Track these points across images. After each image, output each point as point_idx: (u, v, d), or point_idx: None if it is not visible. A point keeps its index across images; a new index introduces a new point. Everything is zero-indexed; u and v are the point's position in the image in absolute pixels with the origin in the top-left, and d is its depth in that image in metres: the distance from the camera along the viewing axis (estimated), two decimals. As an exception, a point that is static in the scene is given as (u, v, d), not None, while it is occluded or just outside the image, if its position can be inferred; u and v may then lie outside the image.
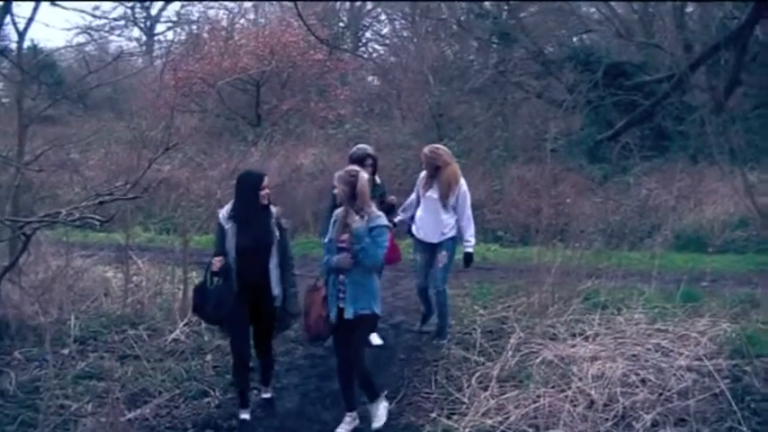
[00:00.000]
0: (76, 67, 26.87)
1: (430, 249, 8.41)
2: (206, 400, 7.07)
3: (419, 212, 8.49)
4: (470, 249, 8.40)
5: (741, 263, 12.02)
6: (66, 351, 7.69)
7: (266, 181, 6.65)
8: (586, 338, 7.58)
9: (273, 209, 6.68)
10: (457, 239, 8.43)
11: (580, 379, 6.59)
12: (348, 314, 6.26)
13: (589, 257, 9.61)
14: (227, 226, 6.52)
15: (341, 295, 6.33)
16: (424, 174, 8.56)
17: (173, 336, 8.34)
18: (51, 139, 11.20)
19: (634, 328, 7.71)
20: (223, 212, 6.62)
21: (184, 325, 8.55)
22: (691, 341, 7.33)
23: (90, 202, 5.49)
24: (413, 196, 8.67)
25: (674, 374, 6.63)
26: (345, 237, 6.31)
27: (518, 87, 21.37)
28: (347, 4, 32.21)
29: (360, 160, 8.18)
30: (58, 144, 10.81)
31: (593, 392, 6.36)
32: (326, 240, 6.56)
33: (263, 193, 6.56)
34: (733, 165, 13.63)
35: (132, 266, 9.79)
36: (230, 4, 29.35)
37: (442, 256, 8.31)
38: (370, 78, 28.43)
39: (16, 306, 8.18)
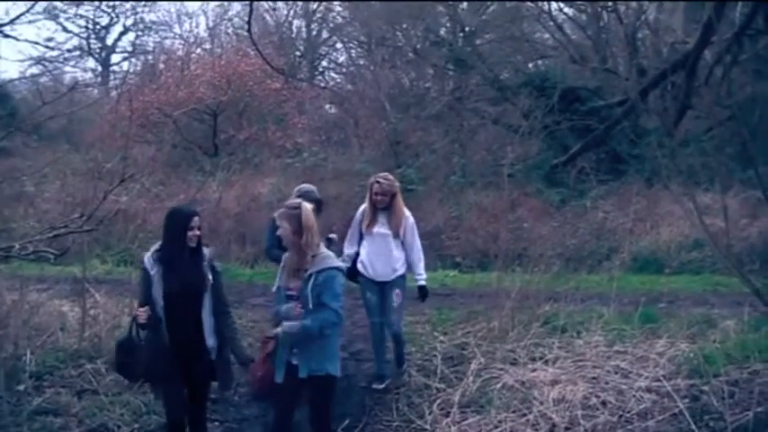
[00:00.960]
0: (31, 99, 26.63)
1: (380, 288, 7.87)
2: (166, 434, 6.95)
3: (364, 250, 7.91)
4: (424, 282, 7.96)
5: (697, 283, 12.20)
6: (21, 387, 7.52)
7: (196, 220, 5.82)
8: (546, 362, 7.61)
9: (206, 250, 5.93)
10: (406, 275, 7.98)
11: (541, 403, 6.62)
12: (302, 373, 5.59)
13: (548, 281, 9.65)
14: (153, 271, 5.72)
15: (294, 350, 5.67)
16: (364, 208, 7.98)
17: (131, 369, 8.20)
18: (5, 170, 11.05)
19: (594, 351, 7.77)
20: (148, 255, 5.83)
21: (143, 358, 8.44)
22: (650, 362, 7.40)
23: (45, 236, 5.43)
24: (352, 232, 8.08)
25: (634, 396, 6.69)
26: (294, 285, 5.68)
27: (474, 113, 21.62)
28: (303, 32, 32.32)
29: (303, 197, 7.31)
30: (13, 176, 10.66)
31: (554, 416, 6.39)
32: (275, 288, 5.91)
33: (190, 234, 5.75)
34: (686, 188, 13.83)
35: (89, 299, 9.63)
36: (185, 34, 29.26)
37: (397, 296, 7.84)
38: (327, 107, 28.52)
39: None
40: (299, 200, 6.01)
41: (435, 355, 8.39)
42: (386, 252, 7.81)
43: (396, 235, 7.79)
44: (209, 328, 5.79)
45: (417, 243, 7.96)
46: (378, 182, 7.82)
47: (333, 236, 8.17)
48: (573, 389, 6.80)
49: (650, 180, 17.24)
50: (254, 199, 17.62)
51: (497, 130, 21.00)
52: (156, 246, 5.87)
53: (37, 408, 7.22)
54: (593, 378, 7.11)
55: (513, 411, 6.56)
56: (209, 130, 23.29)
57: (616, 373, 7.25)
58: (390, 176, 8.00)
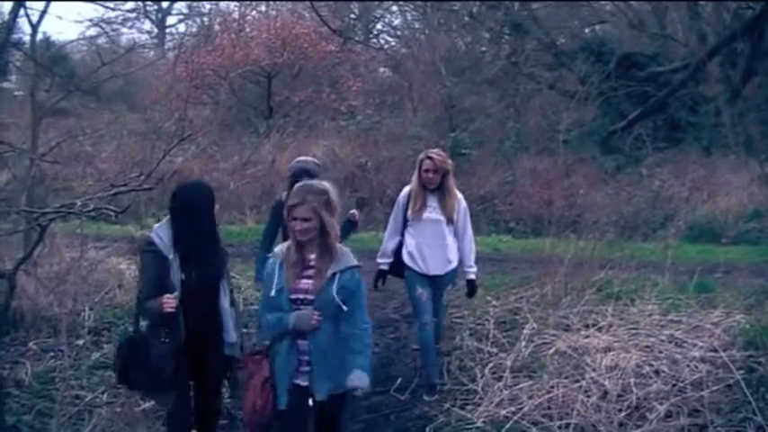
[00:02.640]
0: (89, 60, 26.96)
1: (431, 283, 6.87)
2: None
3: (411, 239, 6.85)
4: (473, 275, 7.11)
5: (755, 254, 11.98)
6: (80, 342, 7.69)
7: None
8: (600, 329, 7.57)
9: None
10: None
11: (593, 369, 6.59)
12: (320, 395, 4.50)
13: (602, 248, 9.57)
14: (171, 256, 4.77)
15: (302, 368, 4.53)
16: (409, 190, 6.94)
17: (185, 325, 8.35)
18: (64, 131, 11.23)
19: (647, 319, 7.71)
20: (158, 234, 4.84)
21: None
22: (705, 332, 7.32)
23: (105, 194, 5.51)
24: (394, 219, 7.04)
25: (688, 365, 6.63)
26: (304, 286, 4.48)
27: (530, 78, 21.36)
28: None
29: (297, 176, 6.21)
30: (72, 136, 10.82)
31: (606, 383, 6.36)
32: (271, 293, 4.51)
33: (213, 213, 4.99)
34: (749, 155, 13.59)
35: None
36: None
37: (447, 293, 7.14)
38: (381, 70, 28.39)
39: (31, 298, 8.22)
40: (323, 182, 4.66)
41: (488, 320, 8.37)
42: (439, 241, 6.81)
43: (449, 221, 6.81)
44: (230, 321, 5.00)
45: (470, 230, 7.03)
46: (430, 157, 6.78)
47: (353, 212, 6.91)
48: (626, 356, 6.76)
49: (708, 148, 16.99)
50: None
51: (553, 95, 20.78)
52: (164, 226, 4.91)
53: (95, 362, 7.39)
54: (647, 346, 7.06)
55: (566, 377, 6.54)
56: (263, 92, 23.37)
57: (670, 342, 7.18)
58: (443, 152, 7.03)
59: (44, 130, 9.57)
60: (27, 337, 7.92)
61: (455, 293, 7.91)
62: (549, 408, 6.16)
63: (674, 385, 6.35)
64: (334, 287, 4.40)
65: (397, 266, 7.00)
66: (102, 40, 32.43)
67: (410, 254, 6.83)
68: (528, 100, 21.47)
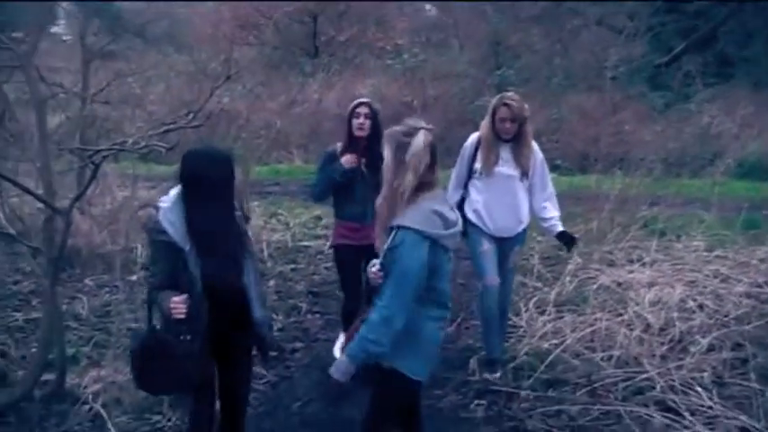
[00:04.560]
0: (134, 3, 27.08)
1: (498, 244, 5.95)
2: (269, 323, 7.21)
3: (479, 195, 5.88)
4: (562, 227, 6.06)
5: (805, 190, 11.86)
6: (134, 278, 7.90)
7: None
8: (644, 265, 7.63)
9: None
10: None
11: (637, 304, 6.65)
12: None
13: (648, 185, 9.55)
14: (187, 247, 3.92)
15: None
16: (477, 138, 5.91)
17: (234, 261, 8.54)
18: (112, 74, 11.37)
19: (692, 255, 7.75)
20: (171, 220, 3.93)
21: (246, 252, 8.78)
22: (750, 268, 7.35)
23: (155, 131, 5.64)
24: (458, 170, 6.03)
25: (732, 300, 6.67)
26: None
27: (577, 14, 21.03)
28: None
29: (352, 109, 5.91)
30: (121, 76, 10.99)
31: (649, 317, 6.41)
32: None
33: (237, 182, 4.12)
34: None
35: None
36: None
37: (515, 253, 6.14)
38: (427, 8, 28.17)
39: (86, 235, 8.49)
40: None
41: (532, 255, 8.46)
42: (510, 198, 5.85)
43: (524, 175, 5.82)
44: (256, 296, 4.19)
45: (551, 185, 6.06)
46: (506, 104, 5.70)
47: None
48: (670, 291, 6.81)
49: (759, 84, 16.68)
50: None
51: (600, 31, 20.49)
52: (174, 203, 3.97)
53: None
54: (691, 282, 7.09)
55: (609, 311, 6.61)
56: (309, 32, 23.39)
57: (715, 277, 7.21)
58: (518, 97, 5.86)
59: (93, 74, 9.73)
60: (83, 274, 8.20)
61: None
62: (591, 340, 6.24)
63: (718, 320, 6.39)
64: (388, 245, 3.70)
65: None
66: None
67: (476, 211, 5.89)
68: (575, 36, 21.17)
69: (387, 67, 20.12)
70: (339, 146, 5.84)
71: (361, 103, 5.88)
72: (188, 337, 3.95)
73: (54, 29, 24.79)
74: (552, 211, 5.96)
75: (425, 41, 23.74)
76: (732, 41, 18.72)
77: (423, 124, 3.80)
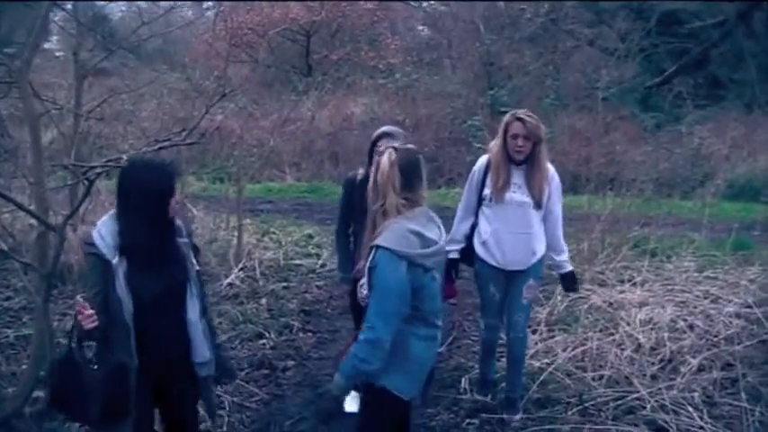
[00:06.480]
0: (128, 20, 27.15)
1: (507, 279, 5.46)
2: (261, 341, 7.19)
3: (488, 225, 5.35)
4: (569, 266, 5.68)
5: (795, 212, 11.90)
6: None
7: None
8: (635, 284, 7.66)
9: (178, 221, 3.92)
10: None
11: (628, 323, 6.68)
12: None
13: (640, 205, 9.62)
14: (115, 260, 3.65)
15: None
16: (487, 161, 5.38)
17: (228, 280, 8.56)
18: (105, 90, 11.39)
19: (683, 276, 7.79)
20: (100, 232, 3.72)
21: (239, 270, 8.80)
22: (740, 288, 7.39)
23: (149, 148, 5.64)
24: (467, 197, 5.50)
25: (723, 320, 6.71)
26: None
27: (569, 35, 21.16)
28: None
29: (374, 141, 5.40)
30: (115, 93, 11.00)
31: (640, 337, 6.45)
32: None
33: (173, 200, 3.78)
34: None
35: (187, 215, 9.99)
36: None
37: (531, 288, 5.48)
38: (420, 27, 28.28)
39: (78, 252, 8.46)
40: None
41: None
42: (523, 228, 5.28)
43: (538, 204, 5.26)
44: (200, 336, 3.89)
45: (559, 207, 5.47)
46: (520, 119, 5.18)
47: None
48: (660, 311, 6.85)
49: (750, 106, 16.79)
50: (346, 119, 17.87)
51: (592, 52, 20.59)
52: (107, 219, 3.79)
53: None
54: (682, 302, 7.13)
55: (600, 330, 6.64)
56: (302, 51, 23.50)
57: (705, 297, 7.26)
58: (533, 114, 5.30)
59: (86, 90, 9.74)
60: (74, 291, 8.16)
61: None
62: (582, 360, 6.27)
63: (708, 340, 6.44)
64: (367, 265, 3.73)
65: (470, 253, 5.51)
66: (141, 2, 32.64)
67: (484, 243, 5.37)
68: (567, 57, 21.26)
69: (379, 87, 20.16)
70: (361, 172, 5.56)
71: (384, 134, 5.41)
72: (110, 361, 3.64)
73: (47, 45, 24.85)
74: (560, 245, 5.51)
75: (418, 61, 23.81)
76: (723, 64, 18.87)
77: (395, 144, 3.90)
